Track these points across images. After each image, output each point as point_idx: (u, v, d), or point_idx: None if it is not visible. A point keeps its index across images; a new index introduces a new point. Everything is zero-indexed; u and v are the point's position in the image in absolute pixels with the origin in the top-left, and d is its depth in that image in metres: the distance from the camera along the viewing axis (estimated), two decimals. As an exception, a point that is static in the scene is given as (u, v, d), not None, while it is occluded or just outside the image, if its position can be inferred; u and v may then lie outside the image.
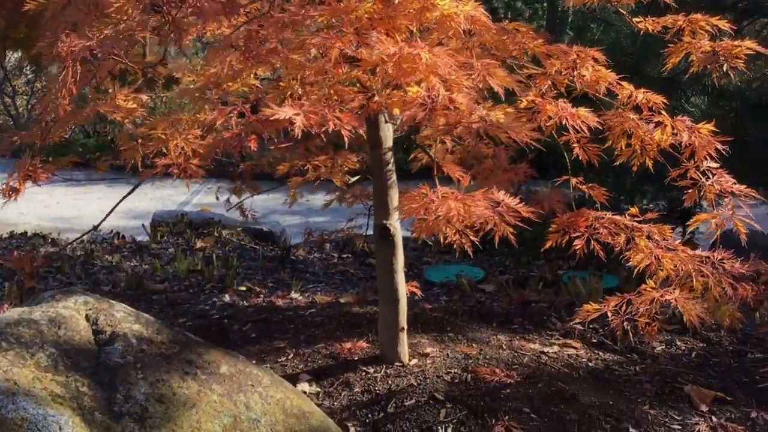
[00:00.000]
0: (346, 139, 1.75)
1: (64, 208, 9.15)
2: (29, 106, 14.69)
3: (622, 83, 2.45)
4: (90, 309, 1.70)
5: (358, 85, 2.00)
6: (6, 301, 2.61)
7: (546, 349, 3.14)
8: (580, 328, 3.53)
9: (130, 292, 4.30)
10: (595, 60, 2.51)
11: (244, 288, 4.64)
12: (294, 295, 4.45)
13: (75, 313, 1.64)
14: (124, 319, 1.71)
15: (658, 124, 2.38)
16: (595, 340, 3.37)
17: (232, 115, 1.78)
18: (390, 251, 2.64)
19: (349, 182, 3.35)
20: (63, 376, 1.40)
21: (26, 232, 6.98)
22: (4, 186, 2.32)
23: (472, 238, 1.90)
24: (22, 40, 13.34)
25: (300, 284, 4.78)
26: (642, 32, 5.22)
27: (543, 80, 2.37)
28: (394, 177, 2.63)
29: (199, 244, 6.33)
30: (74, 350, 1.53)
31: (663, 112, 2.41)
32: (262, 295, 4.45)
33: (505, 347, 3.08)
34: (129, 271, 5.00)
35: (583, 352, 3.21)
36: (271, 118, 1.70)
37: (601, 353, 3.22)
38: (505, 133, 1.77)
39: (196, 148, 2.26)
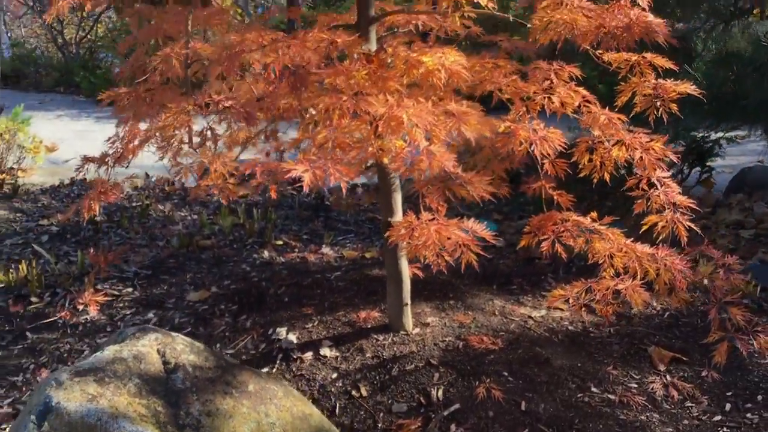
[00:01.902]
0: (344, 189, 2.26)
1: (117, 147, 9.84)
2: (77, 37, 15.17)
3: (590, 104, 2.87)
4: (159, 344, 2.30)
5: (356, 135, 2.48)
6: (87, 290, 3.21)
7: (534, 314, 3.68)
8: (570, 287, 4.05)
9: (182, 250, 4.92)
10: (571, 77, 2.94)
11: (281, 242, 5.22)
12: (325, 249, 5.03)
13: (150, 349, 2.23)
14: (183, 351, 2.31)
15: (617, 142, 2.83)
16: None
17: (256, 168, 2.30)
18: (394, 244, 3.17)
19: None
20: (145, 399, 2.01)
21: (85, 179, 7.63)
22: (79, 206, 2.83)
23: (447, 258, 2.41)
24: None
25: (331, 236, 5.35)
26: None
27: (518, 105, 2.82)
28: (397, 182, 3.12)
29: (241, 191, 6.93)
30: (151, 379, 2.13)
31: (623, 131, 2.84)
32: (296, 250, 5.04)
33: (497, 313, 3.63)
34: (180, 226, 5.63)
35: (567, 314, 3.73)
36: (287, 176, 2.22)
37: (583, 314, 3.75)
38: (466, 191, 2.26)
39: (232, 171, 2.79)
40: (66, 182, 7.55)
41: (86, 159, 2.95)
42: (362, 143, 2.42)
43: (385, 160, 2.39)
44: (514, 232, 5.65)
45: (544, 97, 2.87)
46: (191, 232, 5.42)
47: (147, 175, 7.65)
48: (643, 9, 2.39)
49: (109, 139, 2.76)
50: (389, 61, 2.59)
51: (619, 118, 2.85)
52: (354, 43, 2.63)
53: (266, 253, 4.93)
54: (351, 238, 5.50)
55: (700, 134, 6.63)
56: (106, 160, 2.74)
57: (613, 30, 2.33)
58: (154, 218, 5.95)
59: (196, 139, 2.55)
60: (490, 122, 2.61)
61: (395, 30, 3.35)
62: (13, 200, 6.19)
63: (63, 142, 9.76)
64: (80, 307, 2.93)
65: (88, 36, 14.76)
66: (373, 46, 2.93)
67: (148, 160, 3.46)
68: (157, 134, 2.23)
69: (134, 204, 6.42)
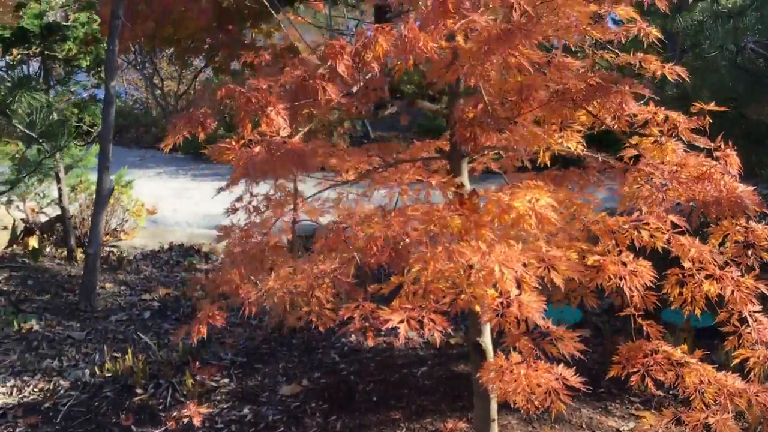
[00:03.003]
0: (438, 339, 2.37)
1: (212, 204, 10.25)
2: (177, 90, 15.83)
3: (678, 236, 2.89)
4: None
5: (449, 281, 2.59)
6: (189, 400, 3.41)
7: (623, 427, 3.67)
8: (660, 394, 4.03)
9: (274, 334, 5.11)
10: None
11: (367, 323, 5.34)
12: (411, 333, 5.12)
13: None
14: None
15: (707, 276, 2.84)
16: (671, 409, 3.85)
17: (354, 313, 2.44)
18: (482, 362, 3.25)
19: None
20: None
21: (182, 244, 7.99)
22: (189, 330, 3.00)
23: (537, 404, 2.48)
24: (168, 38, 14.51)
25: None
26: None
27: (607, 239, 2.87)
28: (485, 304, 3.21)
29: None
30: None
31: (712, 264, 2.85)
32: (383, 333, 5.16)
33: (585, 426, 3.64)
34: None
35: (656, 427, 3.70)
36: (384, 326, 2.35)
37: (673, 427, 3.71)
38: (555, 348, 2.33)
39: (330, 297, 2.93)
40: (165, 247, 7.91)
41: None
42: (455, 288, 2.52)
43: (477, 308, 2.48)
44: (600, 313, 5.61)
45: (634, 228, 2.91)
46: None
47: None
48: (733, 176, 2.43)
49: (208, 273, 2.95)
50: (481, 205, 2.69)
51: (710, 251, 2.87)
52: (447, 183, 2.75)
53: (353, 337, 5.06)
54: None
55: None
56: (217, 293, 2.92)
57: (703, 201, 2.38)
58: (247, 292, 6.17)
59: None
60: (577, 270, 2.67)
61: (486, 151, 3.46)
62: (117, 272, 6.55)
63: (162, 200, 10.23)
64: (185, 420, 3.13)
65: (189, 90, 15.39)
66: (465, 178, 3.04)
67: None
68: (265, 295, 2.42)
69: (228, 275, 6.67)
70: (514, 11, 2.31)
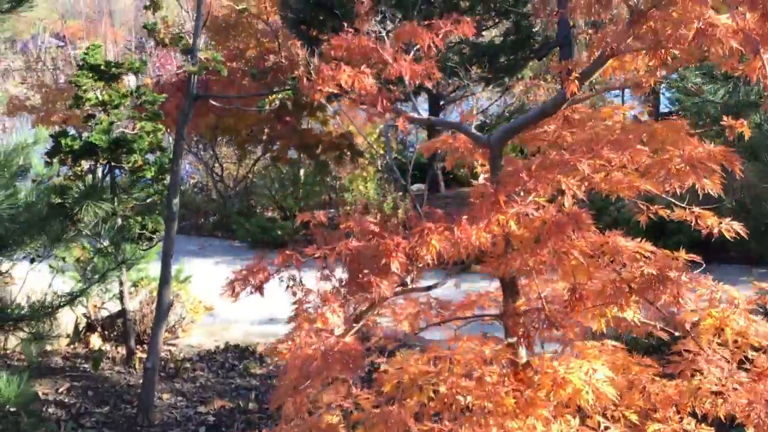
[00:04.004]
0: None
1: (267, 299, 10.34)
2: (237, 174, 16.15)
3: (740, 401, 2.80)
4: None
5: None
6: None
7: None
8: None
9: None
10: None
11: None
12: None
13: None
14: None
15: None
16: None
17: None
18: None
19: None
20: None
21: (238, 345, 8.04)
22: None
23: None
24: (229, 128, 14.96)
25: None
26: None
27: (668, 407, 2.81)
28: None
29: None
30: None
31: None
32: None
33: None
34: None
35: None
36: None
37: None
38: None
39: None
40: (221, 347, 7.97)
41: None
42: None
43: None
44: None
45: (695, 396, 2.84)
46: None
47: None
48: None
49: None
50: (536, 378, 2.67)
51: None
52: (501, 352, 2.74)
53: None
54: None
55: None
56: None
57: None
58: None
59: None
60: None
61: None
62: (174, 380, 6.63)
63: (218, 291, 10.36)
64: None
65: (248, 174, 15.73)
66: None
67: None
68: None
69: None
70: (566, 198, 2.34)
